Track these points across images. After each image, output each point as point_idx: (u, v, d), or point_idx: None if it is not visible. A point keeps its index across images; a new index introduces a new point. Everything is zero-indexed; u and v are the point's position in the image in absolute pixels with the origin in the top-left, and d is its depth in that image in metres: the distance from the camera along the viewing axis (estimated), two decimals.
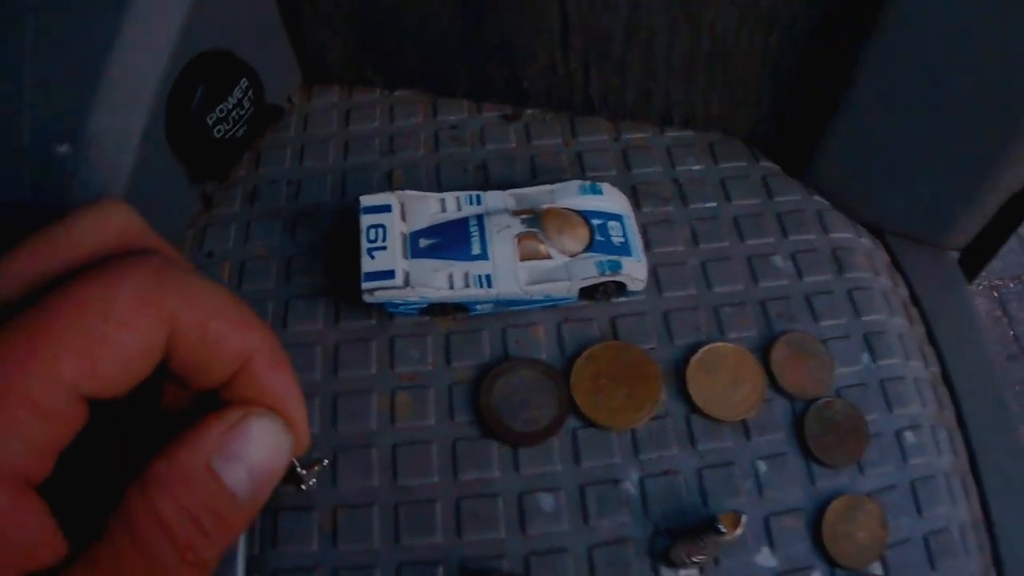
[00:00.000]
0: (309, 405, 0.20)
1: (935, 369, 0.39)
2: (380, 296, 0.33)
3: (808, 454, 0.33)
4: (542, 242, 0.34)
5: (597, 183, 0.36)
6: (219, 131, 0.37)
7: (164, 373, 0.18)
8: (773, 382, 0.35)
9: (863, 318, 0.37)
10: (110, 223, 0.19)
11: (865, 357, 0.36)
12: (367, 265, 0.33)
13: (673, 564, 0.31)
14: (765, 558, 0.31)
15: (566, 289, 0.34)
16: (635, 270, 0.34)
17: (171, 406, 0.20)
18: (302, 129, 0.42)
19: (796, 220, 0.39)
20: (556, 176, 0.39)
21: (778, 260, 0.38)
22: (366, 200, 0.34)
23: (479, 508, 0.31)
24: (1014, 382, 0.91)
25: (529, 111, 0.43)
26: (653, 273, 0.37)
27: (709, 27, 0.36)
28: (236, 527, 0.18)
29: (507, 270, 0.33)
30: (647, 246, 0.37)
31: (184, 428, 0.18)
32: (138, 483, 0.17)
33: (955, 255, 0.44)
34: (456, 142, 0.41)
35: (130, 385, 0.17)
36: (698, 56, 0.38)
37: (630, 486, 0.32)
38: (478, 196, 0.35)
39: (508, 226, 0.34)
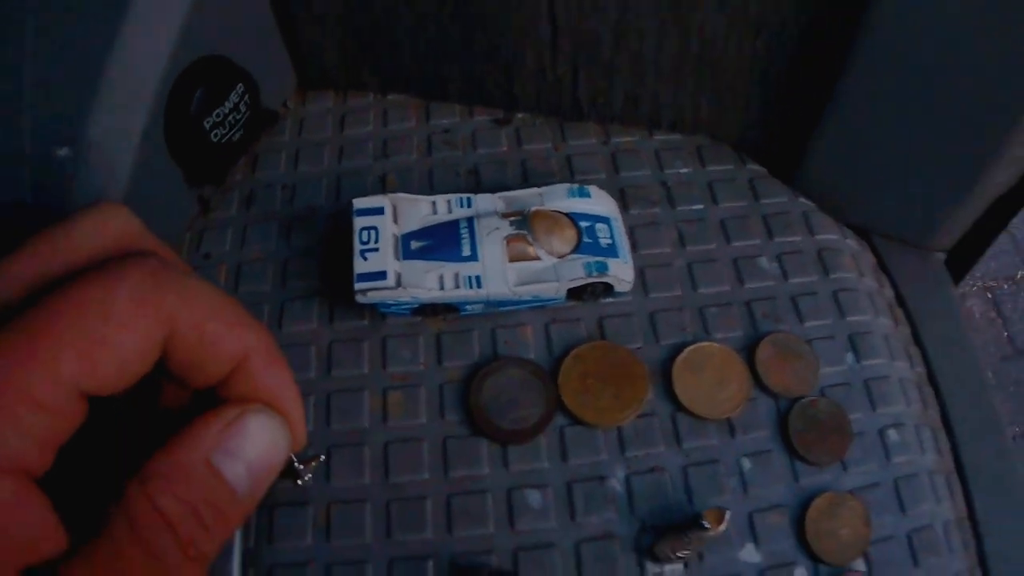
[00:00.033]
0: (303, 403, 0.21)
1: (920, 369, 0.40)
2: (372, 297, 0.34)
3: (792, 452, 0.34)
4: (531, 244, 0.35)
5: (585, 186, 0.37)
6: (216, 135, 0.38)
7: (163, 372, 0.19)
8: (758, 381, 0.36)
9: (848, 319, 0.38)
10: (109, 226, 0.20)
11: (849, 357, 0.37)
12: (360, 266, 0.34)
13: (658, 559, 0.32)
14: (749, 554, 0.32)
15: (554, 290, 0.35)
16: (622, 271, 0.35)
17: (170, 404, 0.21)
18: (297, 133, 0.43)
19: (782, 222, 0.40)
20: (546, 179, 0.40)
21: (764, 261, 0.39)
22: (359, 203, 0.35)
23: (469, 504, 0.32)
24: (1009, 383, 0.92)
25: (520, 115, 0.44)
26: (640, 274, 0.38)
27: (697, 32, 0.37)
28: (235, 521, 0.19)
29: (496, 271, 0.34)
30: (635, 248, 0.38)
31: (184, 425, 0.18)
32: (139, 478, 0.17)
33: (942, 256, 0.45)
34: (448, 146, 0.42)
35: (128, 383, 0.18)
36: (686, 60, 0.39)
37: (616, 483, 0.33)
38: (468, 199, 0.36)
39: (497, 228, 0.35)
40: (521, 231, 0.35)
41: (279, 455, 0.20)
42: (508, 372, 0.35)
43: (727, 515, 0.28)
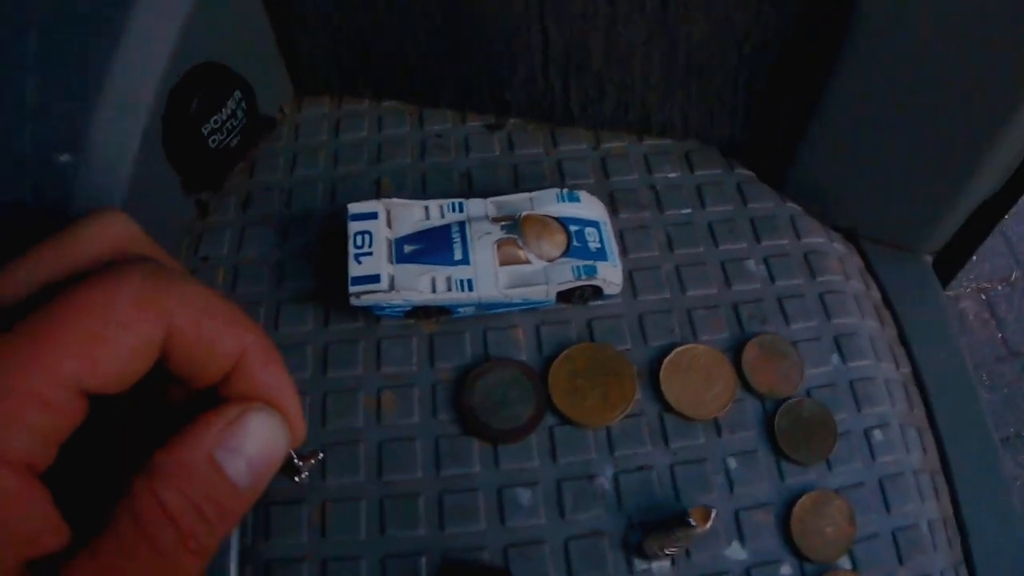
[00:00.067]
0: (301, 401, 0.22)
1: (906, 370, 0.41)
2: (367, 299, 0.35)
3: (778, 451, 0.36)
4: (521, 248, 0.36)
5: (574, 191, 0.39)
6: (214, 141, 0.39)
7: (163, 373, 0.19)
8: (744, 382, 0.37)
9: (834, 320, 0.39)
10: (110, 232, 0.20)
11: (835, 358, 0.38)
12: (354, 270, 0.35)
13: (646, 556, 0.33)
14: (735, 551, 0.33)
15: (544, 293, 0.36)
16: (610, 274, 0.37)
17: (170, 404, 0.22)
18: (294, 139, 0.45)
19: (769, 226, 0.42)
20: (538, 183, 0.41)
21: (751, 264, 0.40)
22: (353, 207, 0.37)
23: (460, 502, 0.34)
24: (1003, 384, 0.93)
25: (512, 121, 0.45)
26: (629, 277, 0.39)
27: (685, 41, 0.39)
28: (236, 515, 0.19)
29: (487, 274, 0.36)
30: (624, 251, 0.40)
31: (186, 423, 0.19)
32: (144, 474, 0.18)
33: (929, 259, 0.46)
34: (442, 150, 0.44)
35: (129, 382, 0.19)
36: (674, 69, 0.40)
37: (605, 481, 0.34)
38: (460, 203, 0.38)
39: (488, 232, 0.36)
40: (512, 235, 0.36)
41: (279, 451, 0.20)
42: (499, 373, 0.36)
43: (713, 513, 0.29)
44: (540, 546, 0.33)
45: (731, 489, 0.35)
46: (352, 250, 0.36)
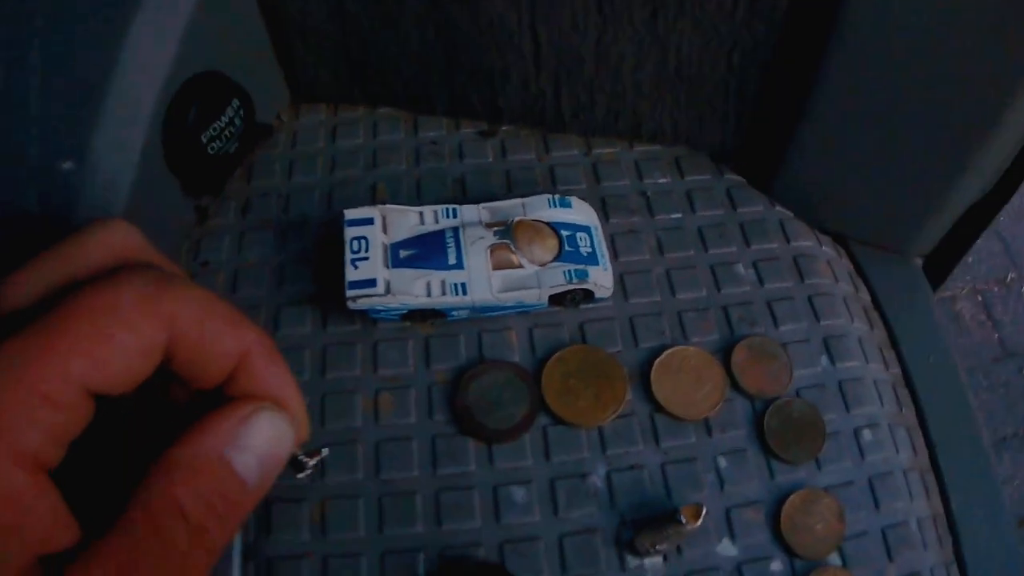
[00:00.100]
0: (303, 399, 0.23)
1: (896, 371, 0.43)
2: (363, 303, 0.37)
3: (767, 451, 0.37)
4: (513, 252, 0.38)
5: (566, 197, 0.41)
6: (213, 148, 0.41)
7: (166, 375, 0.21)
8: (734, 383, 0.39)
9: (823, 322, 0.41)
10: (113, 240, 0.22)
11: (824, 359, 0.40)
12: (351, 274, 0.37)
13: (638, 553, 0.35)
14: (726, 548, 0.35)
15: (536, 296, 0.38)
16: (601, 278, 0.38)
17: (174, 406, 0.23)
18: (291, 145, 0.47)
19: (759, 230, 0.44)
20: (530, 189, 0.43)
21: (740, 268, 0.42)
22: (350, 213, 0.39)
23: (457, 500, 0.35)
24: (999, 384, 0.95)
25: (505, 127, 0.47)
26: (620, 281, 0.41)
27: (674, 49, 0.41)
28: (245, 512, 0.21)
29: (481, 278, 0.37)
30: (615, 255, 0.42)
31: (190, 424, 0.20)
32: (157, 472, 0.19)
33: (919, 262, 0.48)
34: (436, 157, 0.46)
35: (134, 383, 0.20)
36: (664, 76, 0.42)
37: (597, 480, 0.36)
38: (454, 209, 0.40)
39: (482, 237, 0.38)
40: (504, 240, 0.38)
41: (286, 448, 0.22)
42: (493, 374, 0.38)
43: (703, 510, 0.31)
44: (535, 543, 0.34)
45: (721, 487, 0.36)
46: (349, 255, 0.37)
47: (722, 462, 0.37)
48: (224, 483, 0.20)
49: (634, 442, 0.37)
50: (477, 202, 0.41)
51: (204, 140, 0.40)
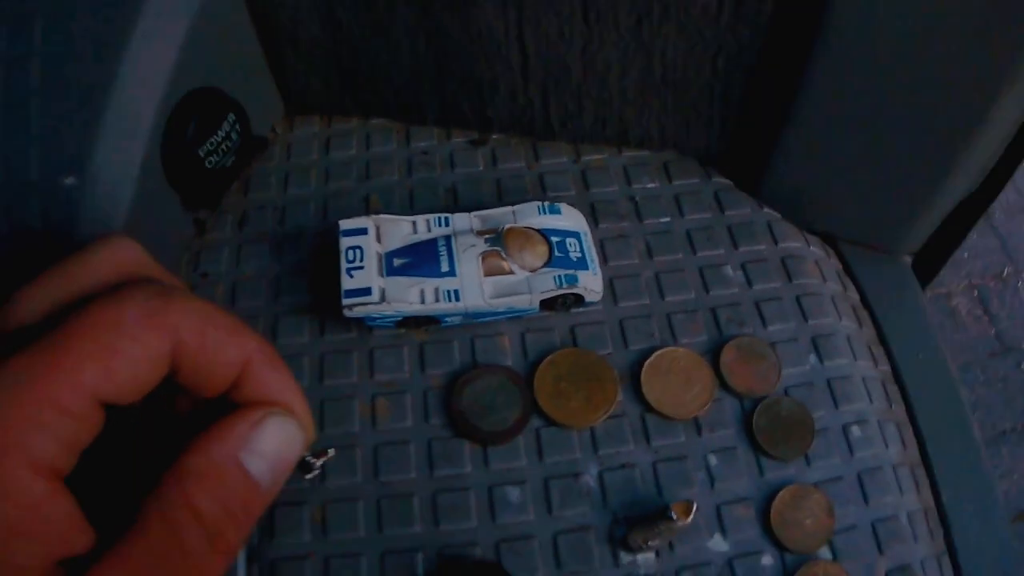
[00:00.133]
0: (307, 402, 0.24)
1: (885, 368, 0.45)
2: (359, 311, 0.39)
3: (757, 448, 0.39)
4: (504, 259, 0.40)
5: (555, 203, 0.43)
6: (210, 162, 0.43)
7: (171, 386, 0.22)
8: (723, 383, 0.40)
9: (811, 322, 0.43)
10: (117, 256, 0.23)
11: (812, 358, 0.42)
12: (347, 283, 0.39)
13: (631, 549, 0.36)
14: (717, 543, 0.37)
15: (527, 301, 0.40)
16: (591, 282, 0.40)
17: (178, 416, 0.24)
18: (286, 158, 0.49)
19: (746, 232, 0.45)
20: (521, 197, 0.46)
21: (728, 270, 0.44)
22: (344, 224, 0.41)
23: (453, 501, 0.37)
24: (997, 379, 0.97)
25: (495, 136, 0.49)
26: (609, 285, 0.43)
27: (660, 56, 0.42)
28: (257, 513, 0.22)
29: (473, 285, 0.39)
30: (604, 260, 0.44)
31: (206, 429, 0.21)
32: (172, 477, 0.20)
33: (908, 260, 0.49)
34: (427, 167, 0.48)
35: (141, 392, 0.21)
36: (650, 83, 0.44)
37: (590, 479, 0.38)
38: (446, 218, 0.42)
39: (473, 245, 0.40)
40: (495, 247, 0.40)
41: (296, 451, 0.23)
42: (487, 378, 0.40)
43: (694, 507, 0.33)
44: (529, 541, 0.36)
45: (712, 484, 0.38)
46: (344, 265, 0.39)
47: (712, 460, 0.38)
48: (239, 487, 0.21)
49: (625, 442, 0.39)
50: (469, 210, 0.43)
51: (202, 154, 0.42)
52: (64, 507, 0.19)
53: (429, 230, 0.41)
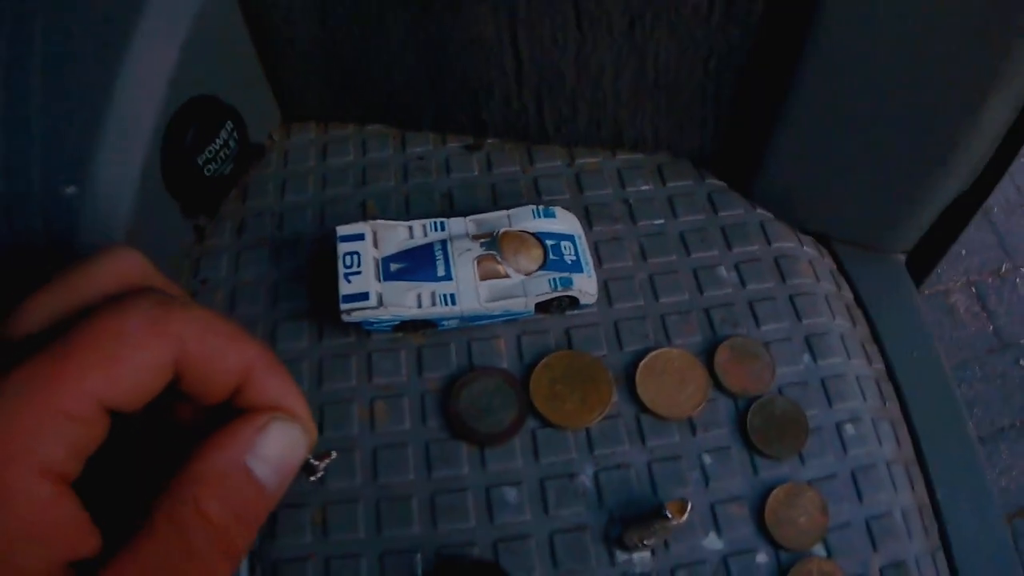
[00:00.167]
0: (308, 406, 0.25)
1: (879, 366, 0.45)
2: (357, 316, 0.40)
3: (751, 447, 0.40)
4: (500, 263, 0.41)
5: (550, 207, 0.44)
6: (209, 170, 0.44)
7: (172, 394, 0.22)
8: (717, 383, 0.41)
9: (804, 321, 0.44)
10: (119, 266, 0.23)
11: (806, 357, 0.43)
12: (344, 288, 0.40)
13: (627, 548, 0.37)
14: (712, 541, 0.38)
15: (523, 304, 0.41)
16: (585, 285, 0.41)
17: (178, 424, 0.25)
18: (283, 165, 0.50)
19: (740, 233, 0.46)
20: (515, 201, 0.47)
21: (722, 271, 0.45)
22: (342, 230, 0.42)
23: (451, 502, 0.38)
24: (995, 376, 0.97)
25: (490, 141, 0.50)
26: (604, 287, 0.44)
27: (652, 59, 0.43)
28: (263, 517, 0.22)
29: (469, 289, 0.40)
30: (599, 262, 0.45)
31: (211, 434, 0.21)
32: (180, 482, 0.20)
33: (902, 259, 0.50)
34: (423, 172, 0.49)
35: (145, 399, 0.21)
36: (643, 86, 0.45)
37: (586, 479, 0.39)
38: (442, 223, 0.43)
39: (469, 249, 0.41)
40: (491, 251, 0.41)
41: (299, 454, 0.23)
42: (483, 381, 0.41)
43: (688, 506, 0.33)
44: (526, 541, 0.37)
45: (706, 484, 0.39)
46: (342, 270, 0.40)
47: (706, 459, 0.39)
48: (246, 491, 0.21)
49: (620, 442, 0.40)
50: (464, 215, 0.44)
51: (201, 162, 0.43)
52: (72, 511, 0.20)
53: (425, 235, 0.42)
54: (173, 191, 0.43)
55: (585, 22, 0.41)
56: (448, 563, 0.37)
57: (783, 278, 0.45)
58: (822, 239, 0.49)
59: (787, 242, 0.46)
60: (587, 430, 0.40)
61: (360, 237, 0.41)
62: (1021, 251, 1.12)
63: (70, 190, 0.37)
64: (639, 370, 0.41)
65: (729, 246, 0.46)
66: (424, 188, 0.48)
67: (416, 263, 0.41)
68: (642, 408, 0.40)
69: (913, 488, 0.41)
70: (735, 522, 0.38)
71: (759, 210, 0.47)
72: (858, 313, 0.47)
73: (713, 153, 0.48)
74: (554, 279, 0.41)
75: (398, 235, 0.42)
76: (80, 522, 0.20)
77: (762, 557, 0.37)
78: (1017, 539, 0.95)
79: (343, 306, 0.39)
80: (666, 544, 0.37)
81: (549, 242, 0.42)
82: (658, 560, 0.37)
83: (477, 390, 0.40)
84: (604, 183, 0.48)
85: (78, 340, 0.20)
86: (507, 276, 0.41)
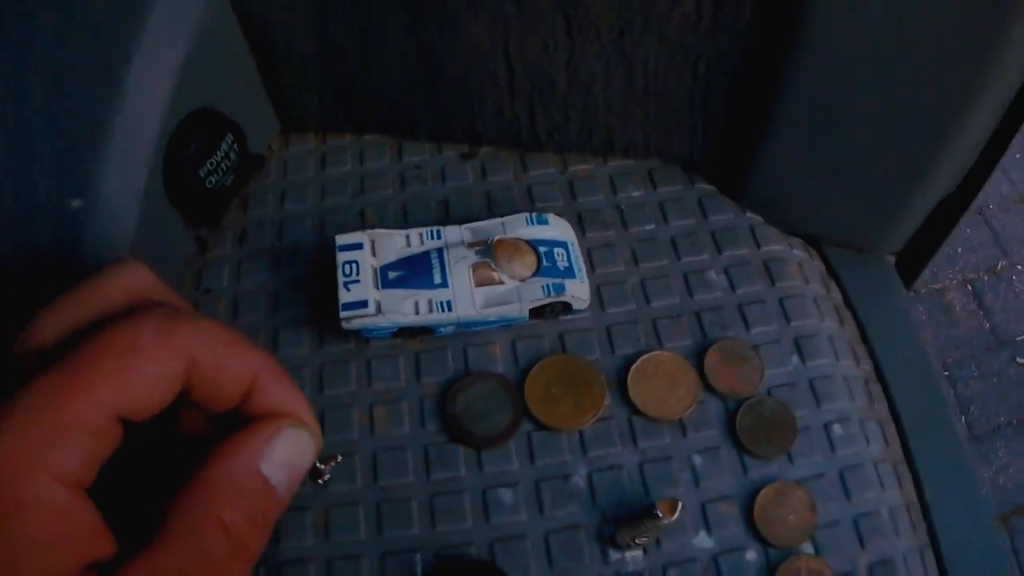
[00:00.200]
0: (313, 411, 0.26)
1: (867, 367, 0.47)
2: (356, 323, 0.41)
3: (740, 447, 0.41)
4: (494, 270, 0.42)
5: (543, 214, 0.45)
6: (210, 181, 0.45)
7: (187, 403, 0.23)
8: (707, 385, 0.43)
9: (793, 323, 0.45)
10: (128, 281, 0.24)
11: (794, 359, 0.44)
12: (344, 296, 0.41)
13: (619, 547, 0.39)
14: (702, 540, 0.39)
15: (517, 310, 0.42)
16: (578, 291, 0.43)
17: (184, 434, 0.26)
18: (282, 175, 0.51)
19: (730, 237, 0.48)
20: (510, 208, 0.48)
21: (712, 275, 0.46)
22: (341, 239, 0.43)
23: (449, 503, 0.39)
24: (992, 373, 0.98)
25: (484, 149, 0.52)
26: (596, 292, 0.45)
27: (642, 67, 0.44)
28: (275, 520, 0.23)
29: (465, 296, 0.42)
30: (591, 268, 0.46)
31: (222, 442, 0.22)
32: (195, 488, 0.21)
33: (891, 260, 0.51)
34: (420, 181, 0.51)
35: (157, 409, 0.22)
36: (633, 93, 0.46)
37: (579, 480, 0.40)
38: (438, 231, 0.44)
39: (464, 257, 0.43)
40: (486, 259, 0.43)
41: (308, 459, 0.25)
42: (480, 385, 0.42)
43: (679, 505, 0.35)
44: (522, 540, 0.39)
45: (697, 483, 0.40)
46: (341, 278, 0.42)
47: (697, 460, 0.41)
48: (259, 496, 0.22)
49: (613, 444, 0.41)
50: (460, 222, 0.45)
51: (202, 175, 0.45)
52: (88, 516, 0.21)
53: (422, 243, 0.44)
54: (176, 203, 0.44)
55: (575, 30, 0.43)
56: (447, 563, 0.38)
57: (772, 281, 0.46)
58: (812, 241, 0.50)
59: (776, 245, 0.48)
60: (580, 432, 0.41)
61: (359, 246, 0.43)
62: (1017, 248, 1.13)
63: (76, 203, 0.38)
64: (631, 373, 0.42)
65: (719, 250, 0.47)
66: (421, 196, 0.50)
67: (413, 271, 0.42)
68: (634, 410, 0.42)
69: (901, 486, 0.42)
70: (725, 521, 0.39)
71: (748, 214, 0.49)
72: (847, 314, 0.48)
73: (703, 158, 0.49)
74: (547, 285, 0.42)
75: (395, 244, 0.44)
76: (96, 526, 0.21)
77: (751, 555, 0.38)
78: (1014, 537, 0.96)
79: (343, 314, 0.41)
80: (658, 543, 0.38)
81: (542, 249, 0.43)
82: (650, 558, 0.38)
83: (474, 394, 0.42)
84: (596, 189, 0.49)
85: (91, 353, 0.21)
86: (502, 283, 0.42)
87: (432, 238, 0.44)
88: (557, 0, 0.41)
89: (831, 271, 0.50)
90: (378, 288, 0.42)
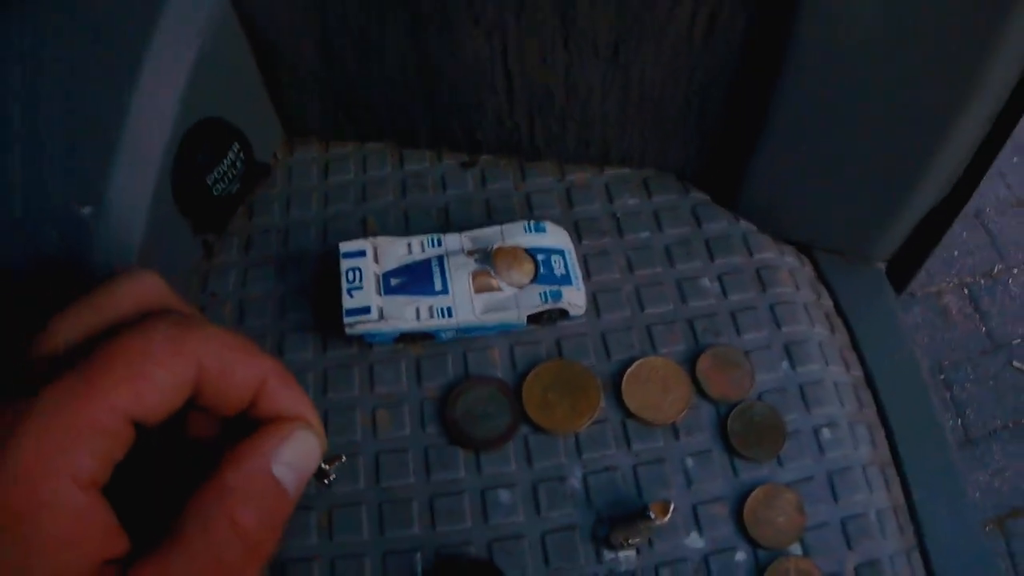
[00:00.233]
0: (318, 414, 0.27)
1: (857, 373, 0.48)
2: (359, 328, 0.43)
3: (731, 451, 0.42)
4: (493, 277, 0.44)
5: (541, 222, 0.47)
6: (217, 189, 0.47)
7: (192, 406, 0.24)
8: (699, 390, 0.44)
9: (784, 329, 0.46)
10: (139, 289, 0.25)
11: (785, 364, 0.45)
12: (347, 303, 0.43)
13: (613, 547, 0.40)
14: (694, 540, 0.40)
15: (515, 317, 0.44)
16: (575, 297, 0.45)
17: (191, 438, 0.27)
18: (287, 182, 0.53)
19: (723, 244, 0.49)
20: (509, 216, 0.50)
21: (705, 282, 0.48)
22: (344, 246, 0.45)
23: (449, 504, 0.41)
24: (988, 377, 1.00)
25: (484, 158, 0.53)
26: (592, 299, 0.47)
27: (637, 79, 0.46)
28: (286, 521, 0.24)
29: (464, 302, 0.44)
30: (587, 275, 0.48)
31: (235, 445, 0.23)
32: (210, 490, 0.22)
33: (882, 267, 0.53)
34: (420, 189, 0.52)
35: (168, 412, 0.23)
36: (629, 104, 0.48)
37: (575, 481, 0.42)
38: (439, 239, 0.46)
39: (464, 264, 0.45)
40: (485, 266, 0.44)
41: (315, 460, 0.25)
42: (479, 389, 0.44)
43: (671, 507, 0.36)
44: (520, 540, 0.40)
45: (688, 485, 0.42)
46: (345, 285, 0.44)
47: (689, 462, 0.42)
48: (272, 497, 0.23)
49: (608, 447, 0.42)
50: (460, 229, 0.47)
51: (209, 182, 0.46)
52: (104, 515, 0.21)
53: (423, 250, 0.45)
54: (183, 210, 0.46)
55: (572, 43, 0.44)
56: (446, 562, 0.40)
57: (764, 288, 0.48)
58: (804, 248, 0.52)
59: (768, 253, 0.49)
60: (576, 435, 0.43)
61: (362, 253, 0.44)
62: (1013, 252, 1.14)
63: (86, 210, 0.40)
64: (625, 378, 0.44)
65: (712, 258, 0.49)
66: (421, 204, 0.51)
67: (415, 278, 0.44)
68: (628, 414, 0.43)
69: (888, 490, 0.43)
70: (716, 522, 0.41)
71: (742, 222, 0.50)
72: (838, 321, 0.49)
73: (697, 168, 0.51)
74: (545, 292, 0.44)
75: (397, 251, 0.45)
76: (110, 525, 0.22)
77: (741, 555, 0.40)
78: (1010, 540, 0.97)
79: (346, 320, 0.43)
80: (650, 543, 0.40)
81: (540, 256, 0.45)
82: (643, 558, 0.39)
83: (473, 398, 0.44)
84: (593, 198, 0.51)
85: (105, 360, 0.22)
86: (500, 290, 0.44)
87: (433, 245, 0.46)
88: (555, 12, 0.43)
89: (822, 278, 0.51)
90: (380, 294, 0.44)
